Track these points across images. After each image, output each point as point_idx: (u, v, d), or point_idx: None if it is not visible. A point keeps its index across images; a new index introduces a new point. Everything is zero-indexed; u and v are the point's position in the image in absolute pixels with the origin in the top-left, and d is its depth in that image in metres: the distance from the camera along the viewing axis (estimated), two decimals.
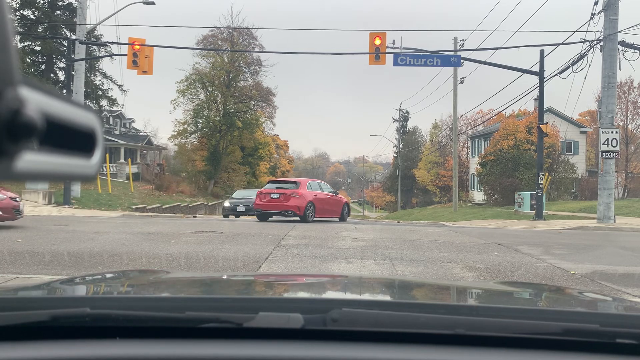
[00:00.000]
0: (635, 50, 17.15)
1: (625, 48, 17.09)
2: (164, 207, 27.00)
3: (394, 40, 19.41)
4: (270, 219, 16.70)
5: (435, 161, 53.95)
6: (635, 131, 43.92)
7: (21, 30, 30.68)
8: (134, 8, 27.03)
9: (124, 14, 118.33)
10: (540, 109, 20.37)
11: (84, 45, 23.18)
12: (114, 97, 36.47)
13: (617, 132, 17.00)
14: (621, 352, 1.14)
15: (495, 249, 8.86)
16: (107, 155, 34.66)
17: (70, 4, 32.83)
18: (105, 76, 35.08)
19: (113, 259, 6.74)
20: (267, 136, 51.54)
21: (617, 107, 29.80)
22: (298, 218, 15.83)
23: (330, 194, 18.05)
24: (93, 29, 27.78)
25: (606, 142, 16.82)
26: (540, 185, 19.53)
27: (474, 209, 34.39)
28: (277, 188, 16.64)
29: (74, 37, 24.90)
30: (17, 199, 11.07)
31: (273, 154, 55.87)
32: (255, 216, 18.18)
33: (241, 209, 24.16)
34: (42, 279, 4.97)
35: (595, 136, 32.27)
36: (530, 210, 22.46)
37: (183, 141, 45.62)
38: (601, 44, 17.17)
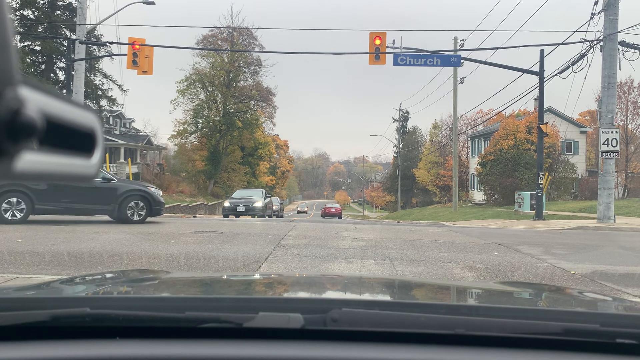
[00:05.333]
0: (635, 50, 17.15)
1: (625, 48, 17.08)
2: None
3: (394, 40, 19.43)
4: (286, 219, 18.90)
5: (435, 161, 53.95)
6: (635, 131, 43.93)
7: (21, 30, 30.68)
8: (133, 8, 27.04)
9: (123, 14, 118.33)
10: (540, 109, 20.37)
11: (84, 45, 23.17)
12: (113, 97, 36.52)
13: (617, 132, 17.00)
14: (621, 352, 1.14)
15: (495, 249, 8.85)
16: (107, 155, 34.64)
17: (70, 4, 32.83)
18: (105, 76, 35.10)
19: (113, 259, 6.74)
20: (267, 136, 51.60)
21: (617, 107, 29.77)
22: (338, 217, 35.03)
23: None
24: (93, 29, 27.79)
25: (606, 142, 16.82)
26: (540, 185, 19.53)
27: (474, 209, 34.39)
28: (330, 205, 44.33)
29: (74, 37, 24.89)
30: None
31: (273, 153, 55.94)
32: (253, 216, 23.38)
33: (241, 208, 24.18)
34: (42, 279, 4.97)
35: (595, 136, 32.27)
36: (530, 210, 22.47)
37: (183, 141, 45.71)
38: (601, 43, 17.17)
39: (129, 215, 12.86)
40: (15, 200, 11.84)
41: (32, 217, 12.08)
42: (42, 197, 12.18)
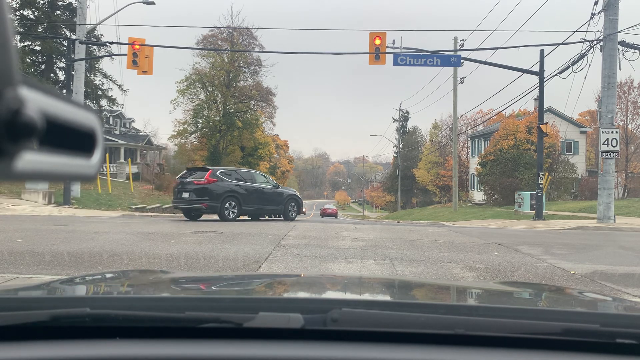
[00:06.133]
0: (635, 50, 17.15)
1: (625, 48, 17.08)
2: (164, 207, 26.97)
3: (394, 40, 19.45)
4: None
5: (435, 161, 53.95)
6: (635, 131, 43.91)
7: (21, 30, 30.67)
8: (134, 8, 27.06)
9: (123, 14, 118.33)
10: (540, 109, 20.37)
11: (84, 45, 23.18)
12: (113, 97, 36.50)
13: (617, 132, 17.00)
14: (621, 352, 1.14)
15: (495, 249, 8.85)
16: (107, 155, 34.65)
17: (70, 4, 32.82)
18: (105, 76, 35.09)
19: (113, 259, 6.74)
20: (267, 136, 51.52)
21: (617, 107, 29.79)
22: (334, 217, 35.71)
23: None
24: (93, 29, 27.79)
25: (606, 142, 16.82)
26: (540, 185, 19.53)
27: (474, 209, 34.39)
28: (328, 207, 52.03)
29: (74, 37, 24.90)
30: None
31: (273, 153, 55.85)
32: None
33: None
34: (42, 279, 4.96)
35: (595, 136, 32.27)
36: (530, 210, 22.47)
37: (183, 141, 45.64)
38: (601, 43, 17.17)
39: (289, 214, 17.22)
40: (233, 203, 15.57)
41: (33, 214, 12.06)
42: (245, 200, 15.96)
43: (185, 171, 16.95)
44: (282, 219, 16.97)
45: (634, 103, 43.42)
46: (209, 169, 16.18)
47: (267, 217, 17.81)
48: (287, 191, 17.71)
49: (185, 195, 15.38)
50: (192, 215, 15.76)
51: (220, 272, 6.11)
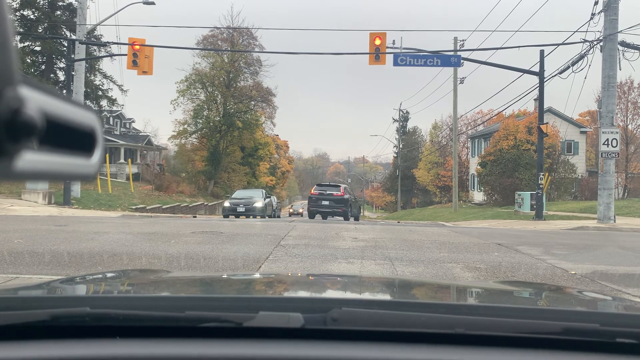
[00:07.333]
0: (635, 50, 17.15)
1: (625, 48, 17.08)
2: (164, 207, 26.99)
3: (394, 41, 19.45)
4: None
5: (435, 161, 53.94)
6: (635, 131, 43.90)
7: (21, 30, 30.68)
8: (134, 8, 27.03)
9: (124, 14, 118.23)
10: (540, 109, 20.37)
11: (84, 46, 23.18)
12: (114, 97, 36.50)
13: (617, 132, 17.00)
14: (621, 351, 1.14)
15: (495, 249, 8.85)
16: (107, 155, 34.64)
17: (70, 4, 32.82)
18: (105, 76, 35.07)
19: (113, 259, 6.74)
20: (267, 136, 51.52)
21: (617, 107, 29.75)
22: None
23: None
24: (93, 29, 27.79)
25: (606, 142, 16.81)
26: (540, 186, 19.53)
27: (474, 209, 34.40)
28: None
29: (74, 37, 24.90)
30: None
31: (273, 154, 55.84)
32: (254, 216, 23.72)
33: (241, 209, 24.15)
34: (42, 279, 4.96)
35: (595, 136, 32.28)
36: (530, 210, 22.47)
37: (183, 141, 45.63)
38: (601, 44, 17.17)
39: (358, 217, 25.95)
40: (350, 209, 23.73)
41: (33, 214, 12.05)
42: (351, 207, 24.13)
43: (316, 185, 25.26)
44: (343, 219, 22.63)
45: (634, 103, 43.42)
46: (340, 185, 24.58)
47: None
48: (358, 200, 27.73)
49: (325, 202, 23.14)
50: (315, 216, 23.24)
51: (220, 272, 6.11)
